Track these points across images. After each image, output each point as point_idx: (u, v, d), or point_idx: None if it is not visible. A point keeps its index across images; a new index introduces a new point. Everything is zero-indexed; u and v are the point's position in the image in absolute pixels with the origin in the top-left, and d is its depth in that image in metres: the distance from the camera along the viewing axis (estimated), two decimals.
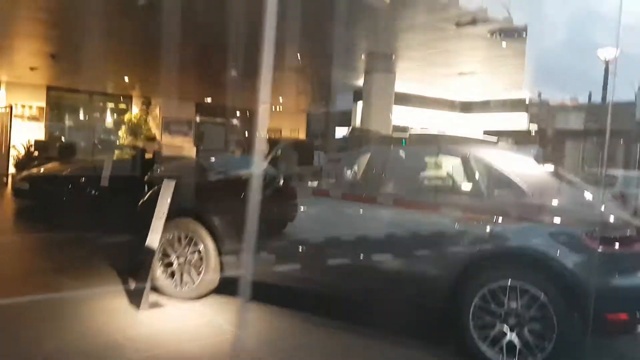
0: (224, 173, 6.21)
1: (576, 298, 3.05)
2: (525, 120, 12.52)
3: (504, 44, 7.22)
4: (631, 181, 10.02)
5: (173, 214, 3.86)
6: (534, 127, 12.34)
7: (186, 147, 16.48)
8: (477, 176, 3.47)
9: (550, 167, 3.67)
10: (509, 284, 3.13)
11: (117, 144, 17.09)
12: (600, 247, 3.05)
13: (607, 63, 12.81)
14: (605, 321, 3.05)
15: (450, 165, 3.68)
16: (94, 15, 7.27)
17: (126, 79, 14.90)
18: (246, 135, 18.97)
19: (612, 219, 3.33)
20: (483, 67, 9.23)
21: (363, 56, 8.16)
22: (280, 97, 15.89)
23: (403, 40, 7.29)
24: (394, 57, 7.90)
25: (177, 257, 3.97)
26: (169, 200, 3.69)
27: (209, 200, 4.07)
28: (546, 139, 11.66)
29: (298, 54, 7.89)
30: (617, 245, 3.12)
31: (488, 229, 3.23)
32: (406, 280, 3.41)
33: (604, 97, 13.89)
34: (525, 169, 3.50)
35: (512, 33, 6.52)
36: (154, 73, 13.68)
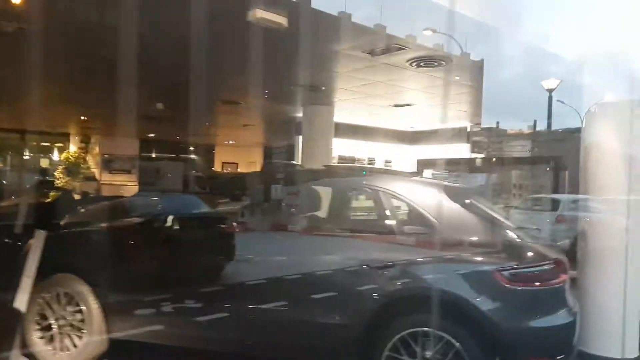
0: (144, 215, 5.77)
1: (492, 344, 2.81)
2: (467, 149, 12.78)
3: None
4: (573, 205, 10.23)
5: (51, 269, 3.41)
6: (475, 156, 12.60)
7: (129, 185, 15.79)
8: (386, 211, 3.23)
9: (468, 200, 3.50)
10: (420, 331, 2.87)
11: (53, 185, 16.11)
12: (515, 285, 2.86)
13: (550, 92, 13.37)
14: None
15: (359, 199, 3.44)
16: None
17: (61, 116, 14.25)
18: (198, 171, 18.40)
19: (529, 252, 3.16)
20: (420, 98, 9.34)
21: (296, 88, 8.05)
22: (233, 131, 15.61)
23: (328, 71, 7.23)
24: (324, 89, 7.82)
25: (57, 319, 3.48)
26: (39, 255, 3.25)
27: (92, 251, 3.63)
28: (488, 167, 11.89)
29: (260, 88, 7.75)
30: (534, 281, 2.93)
31: (396, 269, 2.98)
32: (307, 332, 3.08)
33: (549, 125, 14.44)
34: (438, 202, 3.29)
35: (431, 62, 6.51)
36: (90, 108, 13.19)
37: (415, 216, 3.21)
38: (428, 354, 2.85)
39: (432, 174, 12.37)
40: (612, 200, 3.98)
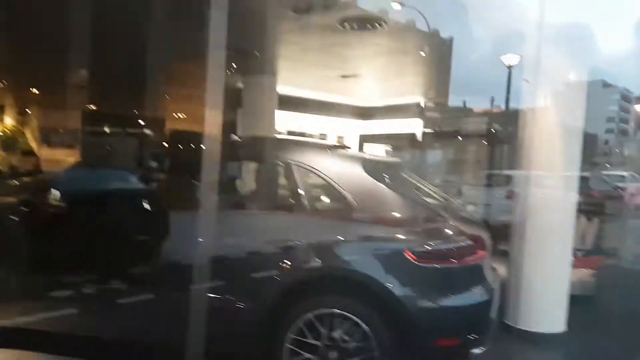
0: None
1: (401, 325, 2.71)
2: (420, 125, 12.71)
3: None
4: (523, 180, 10.39)
5: None
6: (422, 131, 12.53)
7: (68, 160, 15.02)
8: (296, 185, 3.01)
9: (388, 174, 3.34)
10: (326, 312, 2.73)
11: None
12: (427, 262, 2.75)
13: (510, 68, 13.30)
14: (433, 349, 2.74)
15: (268, 173, 3.21)
16: None
17: None
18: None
19: (445, 229, 3.04)
20: (370, 69, 9.07)
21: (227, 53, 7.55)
22: (179, 104, 14.93)
23: (255, 32, 6.77)
24: (258, 54, 7.41)
25: None
26: None
27: None
28: (438, 142, 11.93)
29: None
30: (446, 259, 2.82)
31: (303, 248, 2.81)
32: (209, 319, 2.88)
33: (507, 102, 14.47)
34: (353, 176, 3.09)
35: (365, 23, 6.16)
36: (24, 77, 12.32)
37: (326, 191, 3.04)
38: (335, 336, 2.73)
39: (386, 151, 12.30)
40: (562, 177, 3.98)
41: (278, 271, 2.80)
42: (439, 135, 11.48)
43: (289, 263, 2.81)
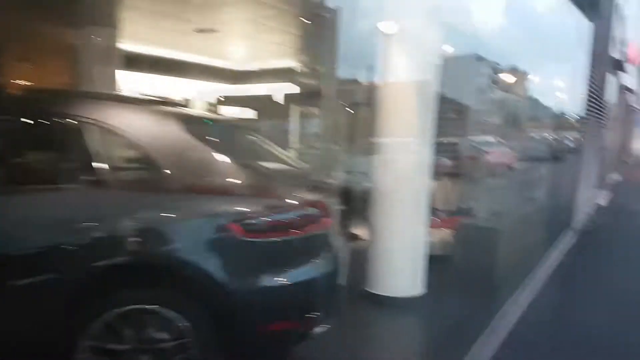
0: None
1: (226, 313, 2.33)
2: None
3: None
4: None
5: None
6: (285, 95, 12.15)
7: None
8: (89, 149, 2.41)
9: (217, 136, 2.87)
10: (131, 309, 2.25)
11: None
12: (257, 236, 2.38)
13: (387, 37, 13.30)
14: (265, 335, 2.42)
15: (49, 134, 2.53)
16: None
17: None
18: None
19: (283, 197, 2.67)
20: (224, 24, 8.36)
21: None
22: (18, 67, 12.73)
23: None
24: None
25: None
26: None
27: None
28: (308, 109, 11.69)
29: None
30: (280, 231, 2.45)
31: (96, 231, 2.26)
32: None
33: (381, 72, 14.56)
34: (168, 137, 2.55)
35: None
36: None
37: (131, 155, 2.50)
38: (143, 337, 2.26)
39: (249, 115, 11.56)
40: (416, 143, 3.97)
41: (60, 265, 2.22)
42: (307, 101, 11.15)
43: (75, 253, 2.24)
